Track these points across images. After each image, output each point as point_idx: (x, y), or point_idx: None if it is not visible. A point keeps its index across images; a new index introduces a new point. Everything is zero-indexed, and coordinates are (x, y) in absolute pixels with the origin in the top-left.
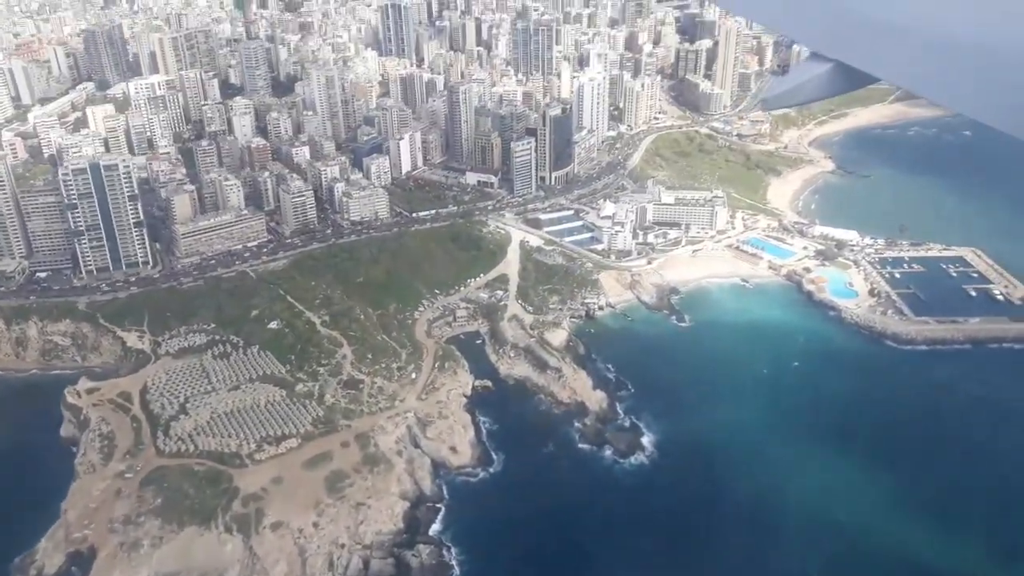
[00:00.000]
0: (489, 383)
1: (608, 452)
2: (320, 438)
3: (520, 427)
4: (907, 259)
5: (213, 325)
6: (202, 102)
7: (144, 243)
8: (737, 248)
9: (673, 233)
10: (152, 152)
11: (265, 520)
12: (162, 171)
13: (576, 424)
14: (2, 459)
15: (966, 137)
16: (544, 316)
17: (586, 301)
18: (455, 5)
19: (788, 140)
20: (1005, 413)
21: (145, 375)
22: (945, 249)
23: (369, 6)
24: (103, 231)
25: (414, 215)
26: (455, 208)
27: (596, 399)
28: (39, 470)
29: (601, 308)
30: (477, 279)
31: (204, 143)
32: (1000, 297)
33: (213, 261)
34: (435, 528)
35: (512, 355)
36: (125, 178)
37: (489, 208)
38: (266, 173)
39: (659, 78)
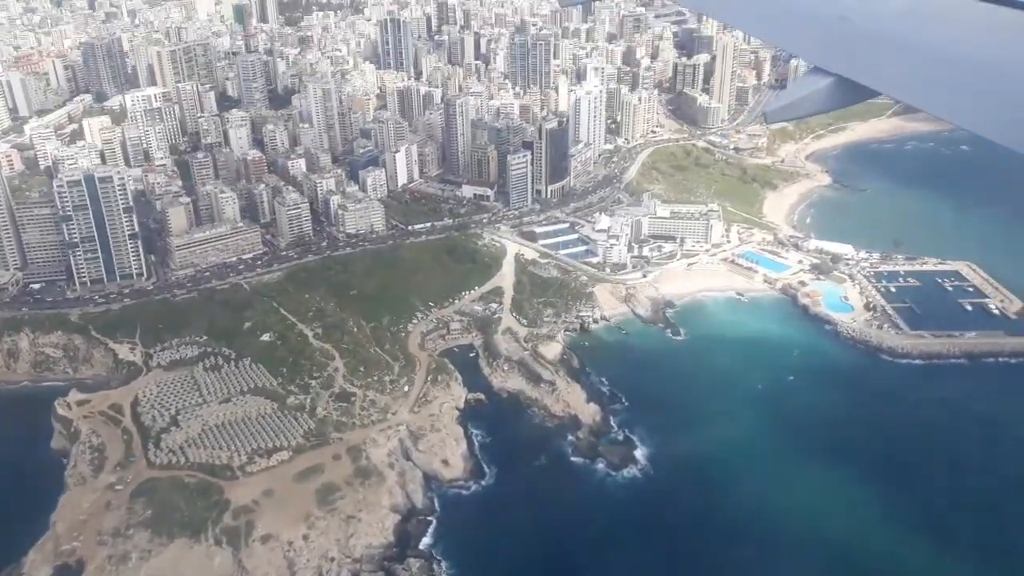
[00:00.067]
0: (482, 396)
1: (601, 465)
2: (311, 451)
3: (513, 440)
4: (903, 273)
5: (205, 337)
6: (198, 114)
7: (138, 255)
8: (732, 262)
9: (668, 246)
10: (148, 164)
11: (255, 533)
12: (158, 183)
13: (569, 437)
14: None
15: (964, 151)
16: (538, 329)
17: (580, 314)
18: (454, 20)
19: (785, 154)
20: (1001, 428)
21: (136, 387)
22: (941, 263)
23: (369, 20)
24: (97, 243)
25: (409, 228)
26: (451, 221)
27: (589, 412)
28: (28, 482)
29: (596, 321)
30: (472, 292)
31: (200, 155)
32: (996, 311)
33: (207, 273)
34: (426, 541)
35: (505, 368)
36: (120, 190)
37: (484, 221)
38: (261, 185)
39: (656, 92)
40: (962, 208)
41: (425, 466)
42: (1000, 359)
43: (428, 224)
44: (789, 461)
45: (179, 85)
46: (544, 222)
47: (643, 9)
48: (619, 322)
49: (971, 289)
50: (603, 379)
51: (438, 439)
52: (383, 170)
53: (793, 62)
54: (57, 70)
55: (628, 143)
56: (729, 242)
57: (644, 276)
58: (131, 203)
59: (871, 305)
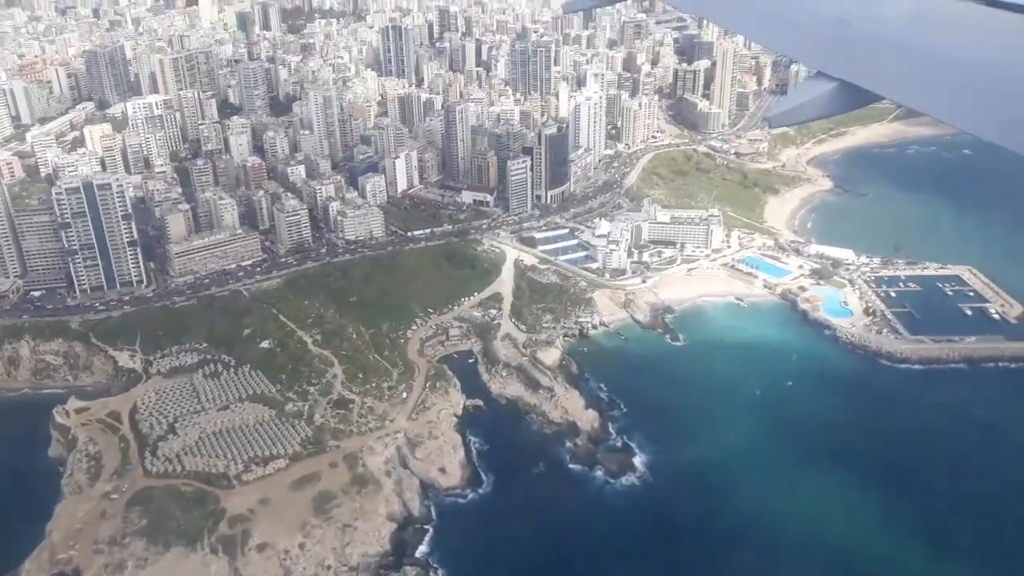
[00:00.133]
0: (480, 403)
1: (599, 473)
2: (308, 459)
3: (511, 447)
4: (903, 278)
5: (205, 344)
6: (199, 121)
7: (138, 262)
8: (732, 267)
9: (668, 252)
10: (148, 171)
11: (251, 541)
12: (157, 190)
13: (567, 444)
14: None
15: (965, 156)
16: (537, 335)
17: (579, 320)
18: (456, 27)
19: (786, 159)
20: (1000, 432)
21: (135, 394)
22: (941, 268)
23: (371, 28)
24: (97, 250)
25: (409, 234)
26: (450, 227)
27: (588, 419)
28: (25, 491)
29: (595, 327)
30: (471, 298)
31: (200, 162)
32: (996, 316)
33: (207, 280)
34: (422, 550)
35: (504, 374)
36: (119, 197)
37: (484, 227)
38: (261, 192)
39: (657, 97)
40: (964, 212)
41: (422, 474)
42: (1000, 364)
43: (428, 230)
44: (788, 467)
45: (180, 92)
46: (544, 228)
47: (644, 15)
48: (618, 328)
49: (972, 294)
50: (602, 385)
51: (436, 446)
52: (383, 176)
53: (793, 67)
54: (60, 78)
55: (629, 148)
56: (729, 247)
57: (644, 281)
58: (130, 210)
59: (871, 310)
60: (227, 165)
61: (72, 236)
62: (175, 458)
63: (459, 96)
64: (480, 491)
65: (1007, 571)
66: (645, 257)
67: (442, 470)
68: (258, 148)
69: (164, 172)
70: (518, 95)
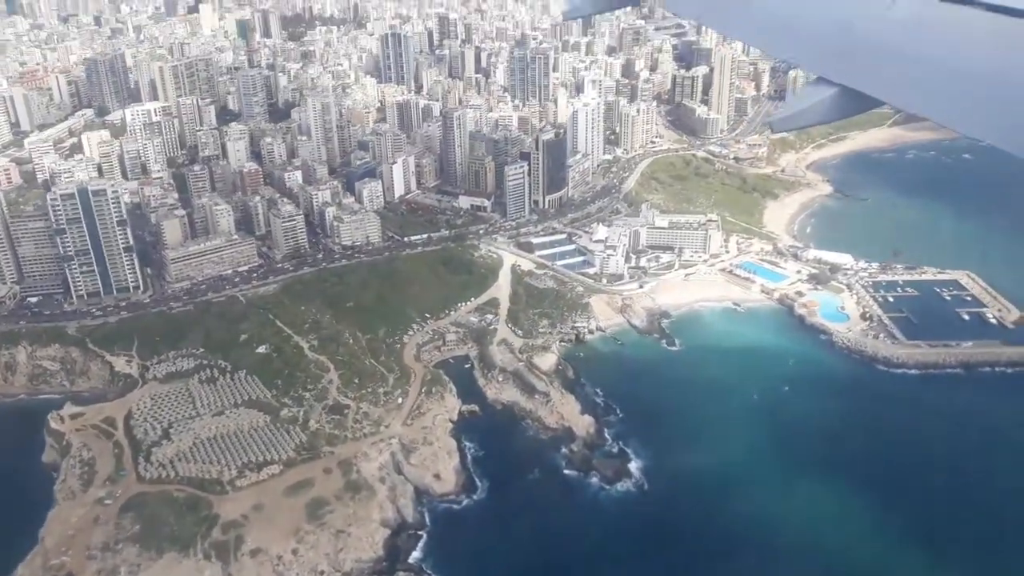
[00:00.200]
0: (476, 408)
1: (595, 479)
2: (302, 464)
3: (506, 453)
4: (901, 283)
5: (201, 350)
6: (197, 128)
7: (134, 268)
8: (730, 272)
9: (666, 257)
10: (145, 177)
11: (244, 547)
12: (154, 196)
13: (563, 450)
14: None
15: (965, 160)
16: (534, 340)
17: (576, 325)
18: (456, 34)
19: (785, 163)
20: (996, 437)
21: (131, 400)
22: (940, 272)
23: (371, 35)
24: (92, 256)
25: (406, 239)
26: (447, 232)
27: (584, 424)
28: (19, 496)
29: (591, 332)
30: (468, 303)
31: (197, 168)
32: (993, 321)
33: (203, 286)
34: (415, 556)
35: (500, 379)
36: (114, 203)
37: (481, 232)
38: (257, 198)
39: (655, 104)
40: (963, 217)
41: (417, 480)
42: (996, 368)
43: (424, 235)
44: (784, 472)
45: (179, 99)
46: (541, 233)
47: (643, 22)
48: (615, 333)
49: (969, 299)
50: (598, 390)
51: (430, 452)
52: (380, 182)
53: (792, 73)
54: (60, 85)
55: (627, 154)
56: (728, 252)
57: (641, 287)
58: (125, 216)
59: (868, 315)
60: (224, 171)
61: (68, 242)
62: (169, 464)
63: (458, 102)
64: (474, 497)
65: (1005, 575)
66: (643, 262)
67: (437, 476)
68: (256, 154)
69: (161, 178)
70: (517, 101)
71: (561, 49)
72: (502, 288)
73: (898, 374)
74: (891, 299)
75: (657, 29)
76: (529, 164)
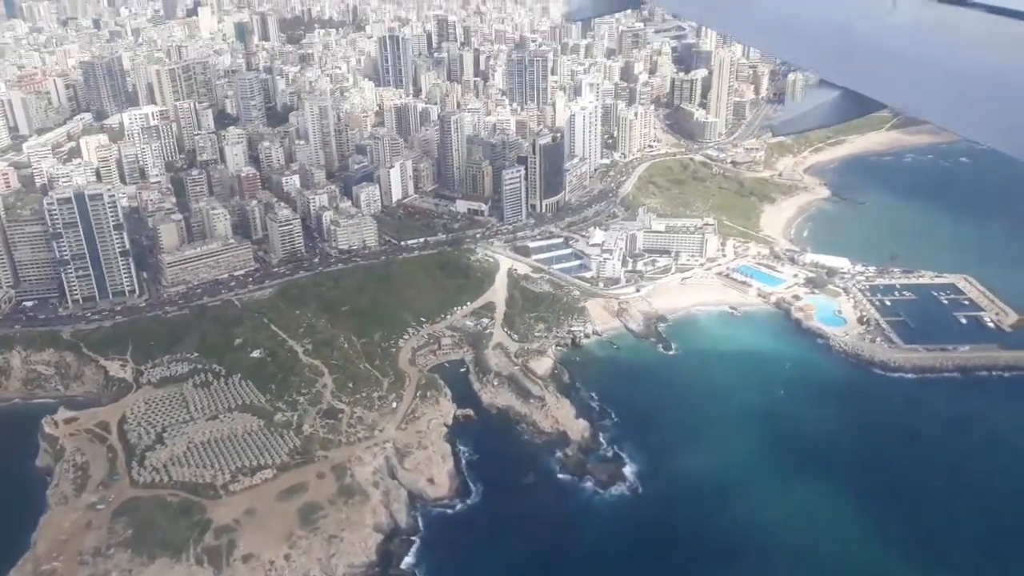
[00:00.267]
0: (471, 412)
1: (589, 483)
2: (296, 469)
3: (500, 457)
4: (898, 286)
5: (196, 354)
6: (195, 132)
7: (130, 272)
8: (727, 276)
9: (662, 261)
10: (143, 181)
11: (236, 552)
12: (151, 200)
13: (557, 454)
14: None
15: (963, 164)
16: (529, 344)
17: (572, 329)
18: (455, 37)
19: (783, 167)
20: (993, 442)
21: (125, 404)
22: (937, 276)
23: (370, 38)
24: (88, 260)
25: (402, 243)
26: (444, 236)
27: (578, 428)
28: (12, 501)
29: (587, 336)
30: (464, 307)
31: (195, 172)
32: (991, 324)
33: (199, 290)
34: (408, 561)
35: (495, 384)
36: (110, 207)
37: (478, 236)
38: (254, 202)
39: (653, 107)
40: (960, 221)
41: (410, 484)
42: (994, 372)
43: (421, 239)
44: (779, 476)
45: (177, 103)
46: (538, 237)
47: (642, 25)
48: (611, 337)
49: (967, 302)
50: (593, 394)
51: (424, 456)
52: (377, 186)
53: (791, 76)
54: (59, 89)
55: (625, 158)
56: (725, 256)
57: (637, 290)
58: (121, 220)
59: (864, 319)
60: (222, 175)
61: (64, 246)
62: (162, 468)
63: (456, 106)
64: (468, 502)
65: None
66: (639, 266)
67: (430, 480)
68: (254, 158)
69: (159, 182)
70: (515, 105)
71: (560, 52)
72: (498, 292)
73: (895, 378)
74: (888, 303)
75: (657, 31)
76: (526, 168)
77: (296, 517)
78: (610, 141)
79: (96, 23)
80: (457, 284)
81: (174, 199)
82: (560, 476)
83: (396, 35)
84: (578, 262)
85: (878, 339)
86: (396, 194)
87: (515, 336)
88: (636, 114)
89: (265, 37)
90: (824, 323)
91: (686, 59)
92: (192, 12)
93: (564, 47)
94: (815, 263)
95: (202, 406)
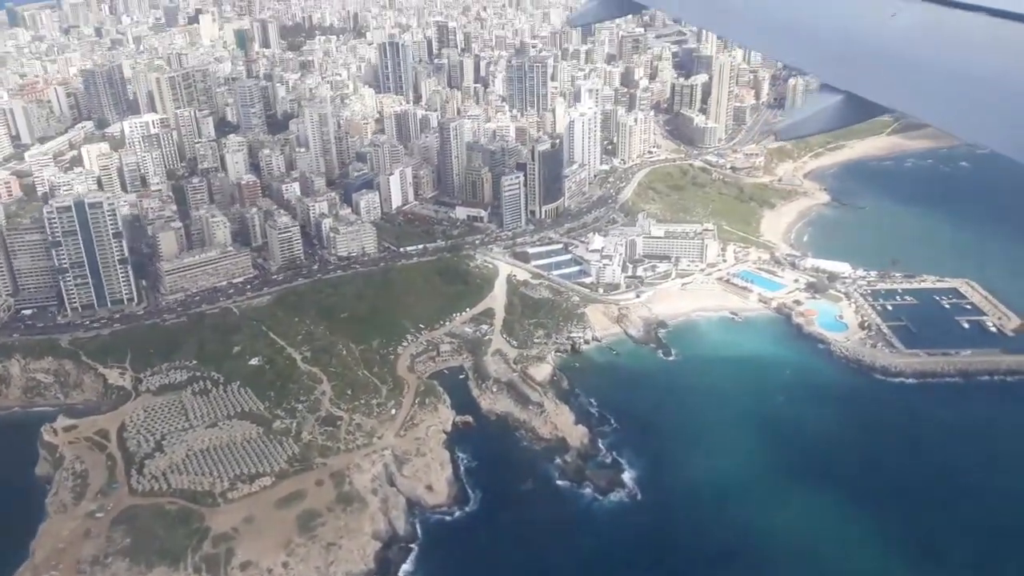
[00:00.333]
0: (470, 419)
1: (588, 490)
2: (294, 476)
3: (499, 464)
4: (900, 291)
5: (195, 362)
6: (196, 140)
7: (129, 280)
8: (727, 281)
9: (662, 266)
10: (144, 189)
11: (235, 560)
12: (152, 208)
13: (556, 461)
14: None
15: (963, 168)
16: (528, 350)
17: (572, 335)
18: (455, 43)
19: (783, 173)
20: (995, 447)
21: (124, 412)
22: (939, 281)
23: (370, 44)
24: (87, 268)
25: (402, 250)
26: (443, 243)
27: (577, 435)
28: (11, 509)
29: (587, 342)
30: (463, 313)
31: (195, 180)
32: (993, 329)
33: (197, 297)
34: (406, 568)
35: (494, 390)
36: (110, 215)
37: (477, 242)
38: (254, 209)
39: (653, 113)
40: (961, 225)
41: (409, 492)
42: (996, 377)
43: (420, 246)
44: (779, 482)
45: (177, 111)
46: (537, 243)
47: (643, 30)
48: (611, 343)
49: (969, 307)
50: (592, 400)
51: (423, 464)
52: (377, 193)
53: (792, 81)
54: (60, 97)
55: (624, 163)
56: (725, 261)
57: (637, 296)
58: (121, 228)
59: (866, 324)
60: (222, 183)
61: (63, 254)
62: (161, 476)
63: (456, 112)
64: (467, 509)
65: None
66: (639, 272)
67: (429, 487)
68: (254, 166)
69: (160, 190)
70: (515, 111)
71: (560, 57)
72: (497, 298)
73: (896, 383)
74: (890, 307)
75: (658, 36)
76: (525, 175)
77: (294, 525)
78: (610, 147)
79: (98, 31)
80: (456, 290)
81: (175, 207)
82: (559, 482)
83: (396, 42)
84: (578, 268)
85: (879, 344)
86: (396, 201)
87: (514, 342)
88: (636, 120)
89: (266, 44)
90: (825, 328)
91: (687, 64)
92: (193, 20)
93: (564, 53)
94: (816, 268)
95: (201, 414)
